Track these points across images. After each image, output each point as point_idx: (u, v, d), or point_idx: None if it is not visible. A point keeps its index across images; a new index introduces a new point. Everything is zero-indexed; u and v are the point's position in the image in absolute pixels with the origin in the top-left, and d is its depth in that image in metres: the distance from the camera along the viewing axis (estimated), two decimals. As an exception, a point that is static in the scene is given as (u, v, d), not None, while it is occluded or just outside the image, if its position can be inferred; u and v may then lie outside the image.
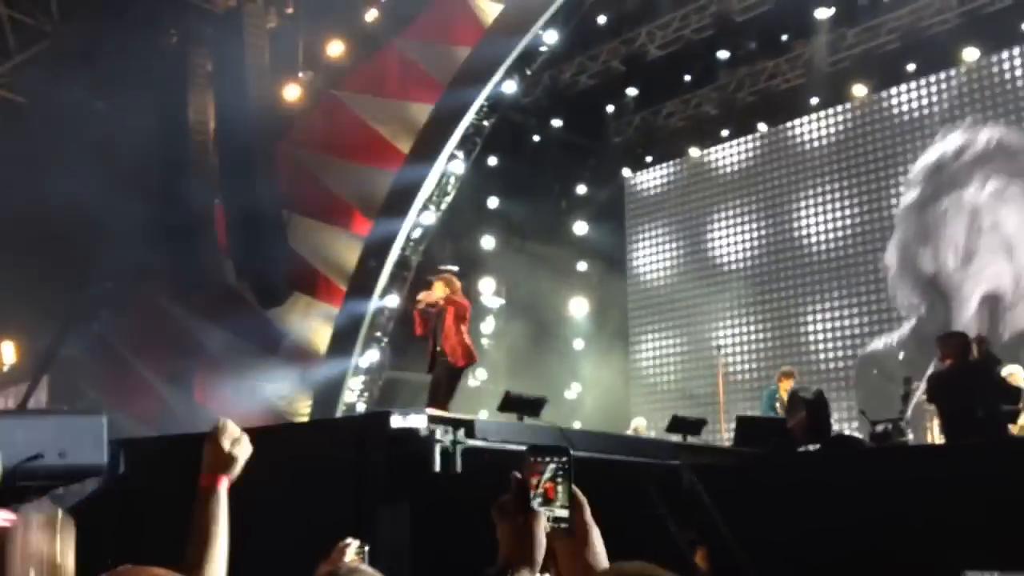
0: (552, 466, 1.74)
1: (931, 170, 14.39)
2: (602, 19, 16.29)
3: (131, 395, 15.00)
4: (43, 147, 17.42)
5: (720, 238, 16.80)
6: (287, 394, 14.98)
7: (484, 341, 16.93)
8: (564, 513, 1.72)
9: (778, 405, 10.14)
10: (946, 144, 14.35)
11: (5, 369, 18.23)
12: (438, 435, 5.73)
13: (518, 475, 1.74)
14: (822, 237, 15.46)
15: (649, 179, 18.28)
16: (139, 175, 15.61)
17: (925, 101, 14.75)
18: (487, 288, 17.14)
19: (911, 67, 15.06)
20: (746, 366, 15.69)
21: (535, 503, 1.72)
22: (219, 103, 15.14)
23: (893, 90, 15.14)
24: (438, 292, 8.52)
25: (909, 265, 14.45)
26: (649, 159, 18.45)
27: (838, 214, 15.36)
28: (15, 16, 16.38)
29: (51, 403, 16.33)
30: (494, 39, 14.84)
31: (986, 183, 13.80)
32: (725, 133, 17.30)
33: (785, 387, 10.28)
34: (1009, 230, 13.52)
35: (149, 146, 15.71)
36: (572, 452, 1.75)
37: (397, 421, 5.74)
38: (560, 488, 1.73)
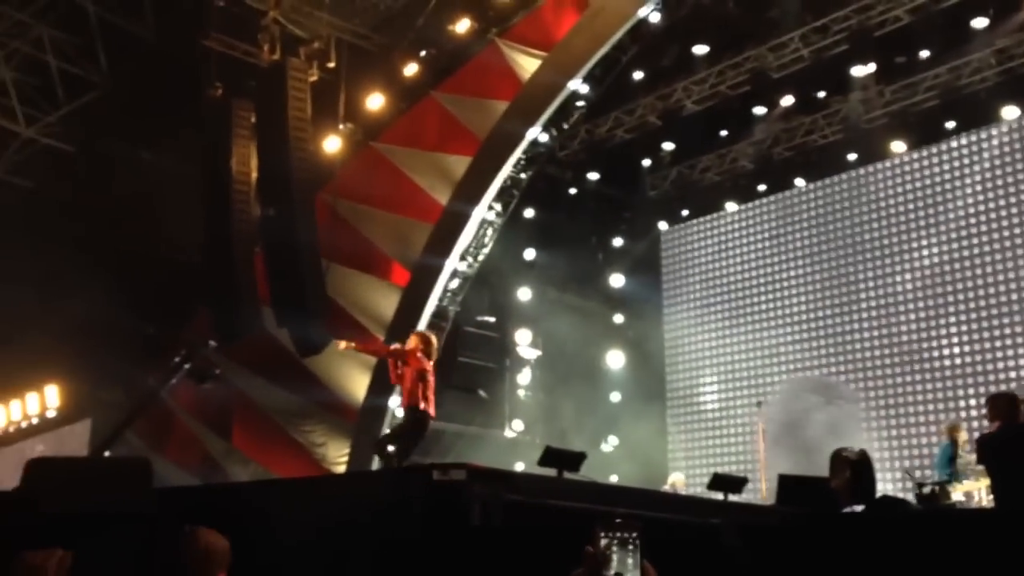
0: (624, 538, 1.73)
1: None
2: (639, 75, 16.44)
3: (170, 440, 15.12)
4: (89, 195, 17.81)
5: (759, 292, 16.71)
6: (325, 442, 15.01)
7: (520, 392, 16.90)
8: None
9: (960, 462, 9.68)
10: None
11: (50, 413, 18.46)
12: (478, 489, 5.69)
13: (591, 548, 1.74)
14: (864, 294, 15.33)
15: (686, 232, 18.28)
16: (182, 224, 15.86)
17: (966, 160, 14.68)
18: (523, 339, 17.14)
19: (950, 124, 15.04)
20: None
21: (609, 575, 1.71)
22: (261, 154, 15.40)
23: (933, 148, 15.10)
24: (410, 345, 8.73)
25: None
26: (685, 212, 18.47)
27: (879, 271, 15.24)
28: (64, 67, 16.82)
29: (92, 446, 16.49)
30: (531, 94, 15.02)
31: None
32: (762, 188, 17.31)
33: (962, 439, 9.81)
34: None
35: (192, 196, 15.98)
36: (639, 526, 1.75)
37: (438, 474, 5.73)
38: (631, 561, 1.73)
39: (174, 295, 16.92)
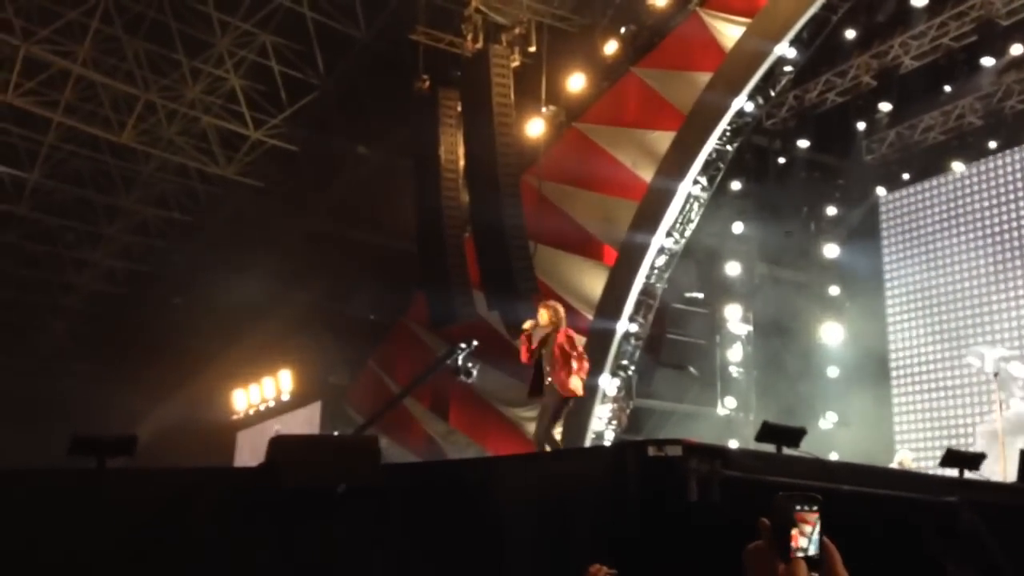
0: (806, 514, 1.73)
1: None
2: (850, 33, 15.64)
3: (394, 421, 15.87)
4: (313, 191, 18.96)
5: (991, 257, 15.50)
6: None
7: (732, 369, 16.53)
8: (816, 563, 1.73)
9: None
10: None
11: (285, 396, 19.92)
12: (694, 465, 5.63)
13: (767, 521, 1.73)
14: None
15: (907, 197, 17.22)
16: (398, 214, 16.57)
17: None
18: (734, 315, 16.74)
19: None
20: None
21: (795, 552, 1.71)
22: (468, 141, 15.82)
23: None
24: (543, 320, 8.49)
25: None
26: (906, 176, 17.41)
27: None
28: (285, 71, 17.91)
29: (323, 427, 17.62)
30: (735, 63, 14.58)
31: None
32: (993, 145, 16.06)
33: None
34: None
35: (406, 186, 16.66)
36: (823, 500, 1.74)
37: (653, 450, 5.71)
38: (814, 537, 1.73)
39: (393, 282, 17.76)
